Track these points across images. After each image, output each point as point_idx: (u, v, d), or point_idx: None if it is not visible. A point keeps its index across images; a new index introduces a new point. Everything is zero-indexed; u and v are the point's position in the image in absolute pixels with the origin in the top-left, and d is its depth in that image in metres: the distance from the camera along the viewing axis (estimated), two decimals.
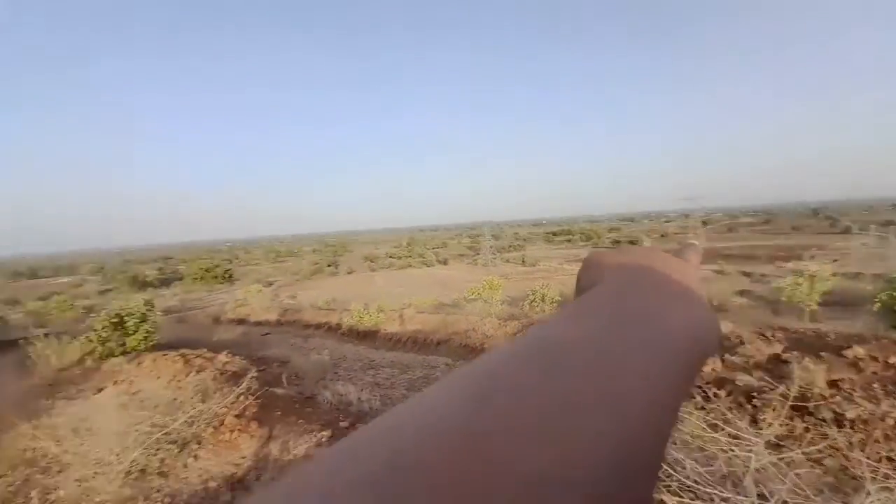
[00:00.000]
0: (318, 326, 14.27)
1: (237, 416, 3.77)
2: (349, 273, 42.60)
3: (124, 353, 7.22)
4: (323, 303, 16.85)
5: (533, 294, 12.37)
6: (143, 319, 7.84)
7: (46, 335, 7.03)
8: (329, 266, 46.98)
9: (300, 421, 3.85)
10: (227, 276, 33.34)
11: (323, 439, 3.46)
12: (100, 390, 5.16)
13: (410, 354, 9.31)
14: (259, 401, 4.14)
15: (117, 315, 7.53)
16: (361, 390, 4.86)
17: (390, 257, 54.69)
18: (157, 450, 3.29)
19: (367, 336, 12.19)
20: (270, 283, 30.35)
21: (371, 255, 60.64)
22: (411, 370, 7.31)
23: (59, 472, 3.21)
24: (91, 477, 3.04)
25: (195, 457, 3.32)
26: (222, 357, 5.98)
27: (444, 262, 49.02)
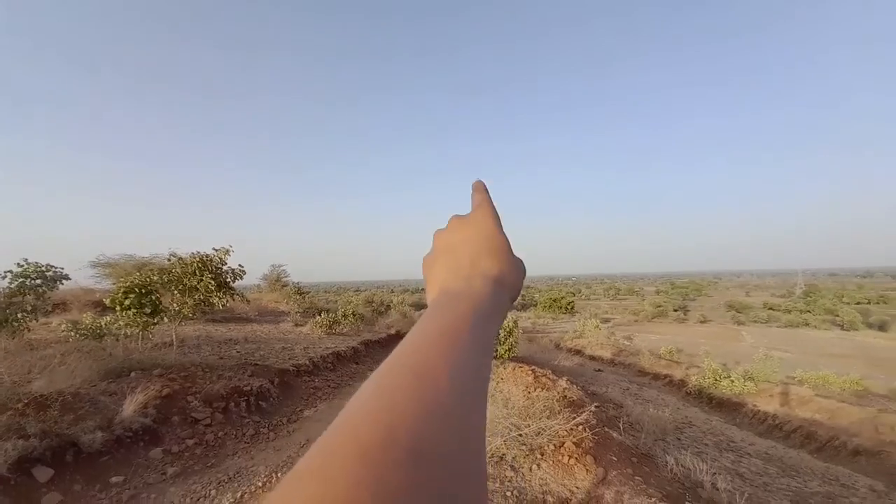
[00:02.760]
0: (657, 377, 12.79)
1: (576, 444, 3.96)
2: (702, 322, 35.67)
3: (495, 357, 9.42)
4: (665, 351, 15.00)
5: None
6: (510, 333, 9.93)
7: None
8: (675, 310, 41.36)
9: (637, 478, 3.52)
10: (569, 307, 36.65)
11: None
12: None
13: (800, 453, 6.50)
14: (596, 437, 4.16)
15: None
16: (716, 474, 3.83)
17: (769, 308, 40.88)
18: (513, 446, 4.01)
19: (723, 406, 9.69)
20: (607, 321, 30.53)
21: (737, 302, 48.10)
22: (802, 477, 5.05)
23: None
24: None
25: (538, 465, 3.75)
26: (563, 382, 6.52)
27: (881, 327, 30.95)
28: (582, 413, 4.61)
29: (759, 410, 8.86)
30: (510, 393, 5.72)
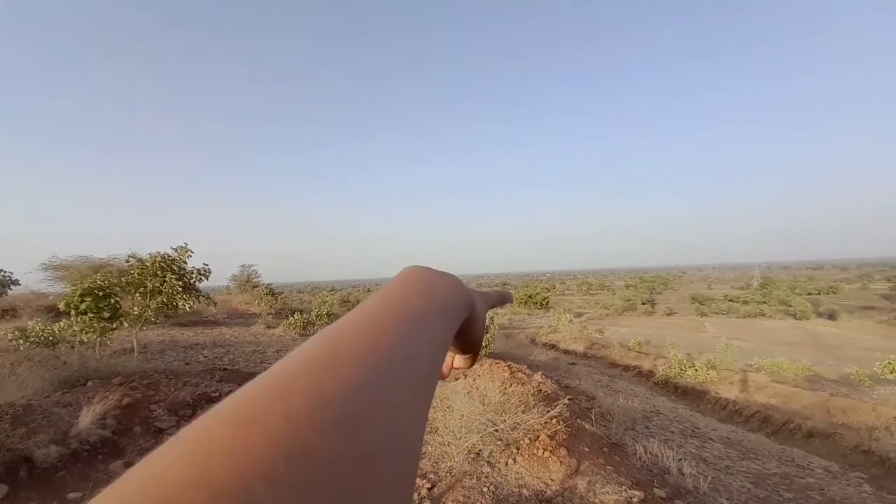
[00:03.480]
0: (626, 368, 13.26)
1: (550, 437, 4.04)
2: (668, 314, 37.29)
3: None
4: (634, 343, 15.57)
5: None
6: (487, 330, 10.07)
7: None
8: (644, 304, 43.04)
9: (608, 467, 3.63)
10: (544, 302, 37.39)
11: (634, 499, 3.09)
12: (456, 379, 6.98)
13: (758, 436, 6.91)
14: (569, 429, 4.26)
15: None
16: (682, 460, 4.02)
17: (729, 300, 43.23)
18: (489, 441, 4.05)
19: (688, 394, 10.16)
20: (580, 315, 31.37)
21: (700, 294, 50.55)
22: (760, 459, 5.37)
23: (430, 432, 4.54)
24: (447, 444, 4.11)
25: (514, 460, 3.81)
26: (538, 377, 6.65)
27: (831, 316, 33.33)
28: (556, 406, 4.71)
29: (720, 397, 9.35)
30: (486, 389, 5.78)
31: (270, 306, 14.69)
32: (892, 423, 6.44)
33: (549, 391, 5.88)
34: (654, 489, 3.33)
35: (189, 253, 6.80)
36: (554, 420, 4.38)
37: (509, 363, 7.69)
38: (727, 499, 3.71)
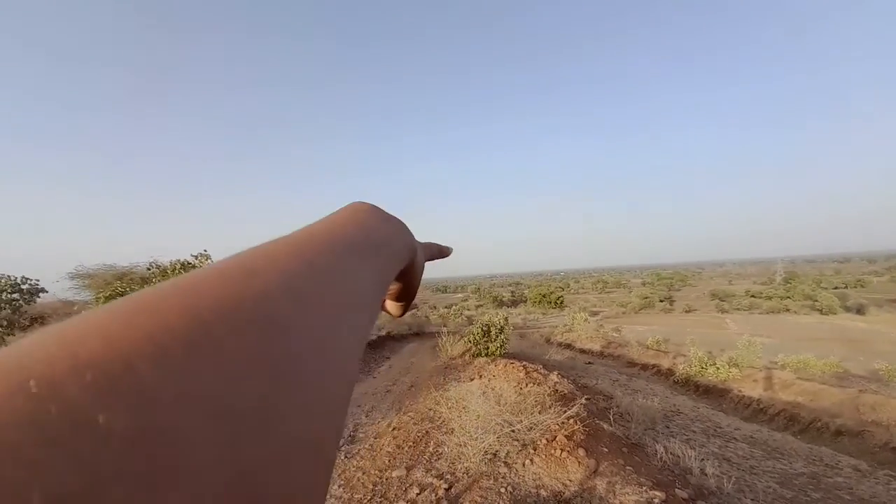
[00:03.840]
0: (645, 367, 13.02)
1: (567, 437, 4.00)
2: (687, 311, 36.45)
3: (487, 354, 9.46)
4: (652, 341, 15.27)
5: None
6: (501, 331, 9.99)
7: (447, 333, 10.39)
8: (662, 301, 42.18)
9: (628, 468, 3.57)
10: (559, 301, 37.04)
11: (654, 500, 3.04)
12: (471, 380, 6.97)
13: (784, 435, 6.69)
14: (587, 430, 4.21)
15: (486, 325, 10.02)
16: (704, 460, 3.92)
17: (751, 296, 42.03)
18: (506, 442, 4.03)
19: (709, 393, 9.92)
20: (595, 313, 30.94)
21: (720, 290, 49.27)
22: (786, 459, 5.20)
23: (446, 433, 4.55)
24: (463, 444, 4.11)
25: (531, 460, 3.78)
26: (554, 376, 6.58)
27: (859, 311, 32.09)
28: (573, 406, 4.66)
29: (744, 395, 9.10)
30: (502, 389, 5.76)
31: None
32: None
33: (566, 391, 5.82)
34: (676, 490, 3.26)
35: (209, 259, 6.98)
36: (571, 420, 4.33)
37: (524, 363, 7.64)
38: (752, 499, 3.61)
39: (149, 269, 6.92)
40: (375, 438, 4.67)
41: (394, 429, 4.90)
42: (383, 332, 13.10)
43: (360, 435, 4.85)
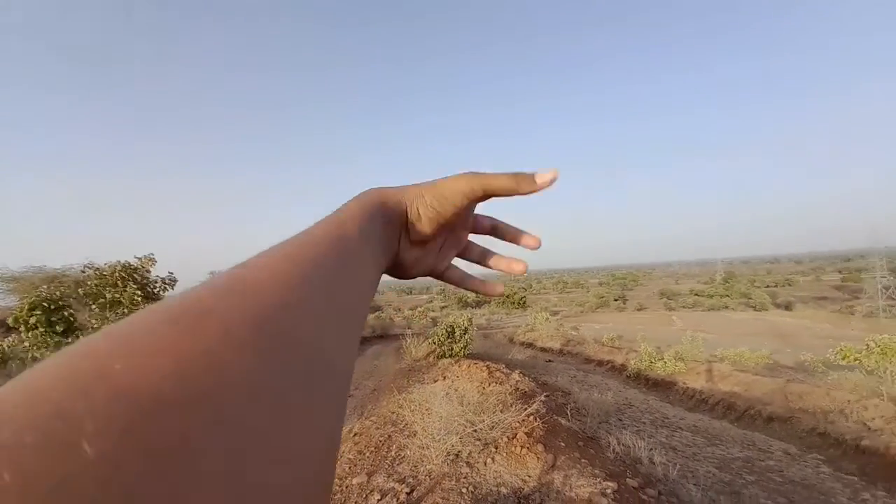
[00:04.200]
0: (600, 363, 13.63)
1: (527, 434, 4.11)
2: (639, 309, 38.63)
3: (451, 355, 9.52)
4: (607, 339, 16.02)
5: None
6: (465, 331, 10.08)
7: (411, 335, 10.35)
8: (616, 300, 44.40)
9: (583, 460, 3.73)
10: (521, 302, 37.93)
11: (608, 490, 3.18)
12: (435, 381, 6.99)
13: (723, 423, 7.24)
14: (546, 426, 4.35)
15: (450, 326, 10.07)
16: (652, 449, 4.17)
17: (695, 295, 45.27)
18: (468, 442, 4.07)
19: (658, 386, 10.53)
20: (556, 313, 32.02)
21: (668, 290, 52.63)
22: (725, 445, 5.64)
23: (409, 436, 4.52)
24: (426, 447, 4.11)
25: (493, 459, 3.84)
26: (515, 375, 6.74)
27: (787, 307, 35.46)
28: (533, 403, 4.79)
29: (688, 387, 9.75)
30: (465, 390, 5.81)
31: None
32: (845, 406, 6.88)
33: (527, 389, 5.98)
34: (627, 479, 3.44)
35: (152, 261, 6.51)
36: (531, 417, 4.45)
37: (487, 363, 7.76)
38: (694, 484, 3.88)
39: (83, 272, 6.33)
40: None
41: (355, 434, 4.80)
42: None
43: None
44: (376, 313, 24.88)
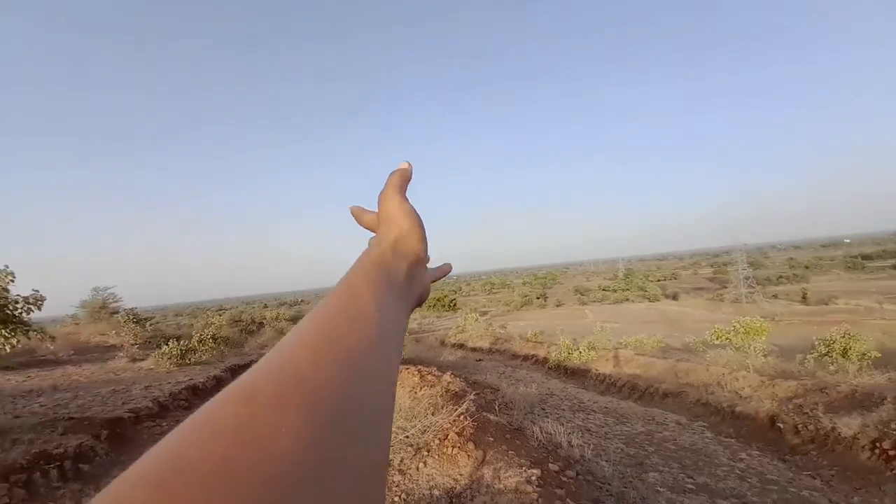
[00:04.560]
0: (526, 358, 14.48)
1: (458, 434, 4.19)
2: (558, 306, 41.86)
3: None
4: (531, 335, 17.09)
5: (824, 344, 8.79)
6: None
7: None
8: (538, 298, 47.57)
9: (510, 452, 3.92)
10: (452, 304, 38.66)
11: (532, 477, 3.39)
12: None
13: (628, 403, 8.14)
14: (476, 423, 4.48)
15: None
16: (571, 433, 4.54)
17: (603, 290, 50.50)
18: (399, 449, 4.03)
19: (575, 374, 11.51)
20: (485, 313, 33.25)
21: (581, 287, 57.82)
22: (629, 422, 6.36)
23: None
24: None
25: (424, 463, 3.85)
26: (447, 377, 6.84)
27: (674, 297, 41.27)
28: (463, 403, 4.91)
29: (599, 373, 10.82)
30: (397, 397, 5.73)
31: (135, 335, 12.32)
32: (721, 379, 8.17)
33: (458, 389, 6.10)
34: (549, 464, 3.70)
35: (10, 278, 5.36)
36: (462, 417, 4.56)
37: (419, 367, 7.76)
38: (606, 461, 4.31)
39: None
40: None
41: None
42: (266, 351, 11.87)
43: None
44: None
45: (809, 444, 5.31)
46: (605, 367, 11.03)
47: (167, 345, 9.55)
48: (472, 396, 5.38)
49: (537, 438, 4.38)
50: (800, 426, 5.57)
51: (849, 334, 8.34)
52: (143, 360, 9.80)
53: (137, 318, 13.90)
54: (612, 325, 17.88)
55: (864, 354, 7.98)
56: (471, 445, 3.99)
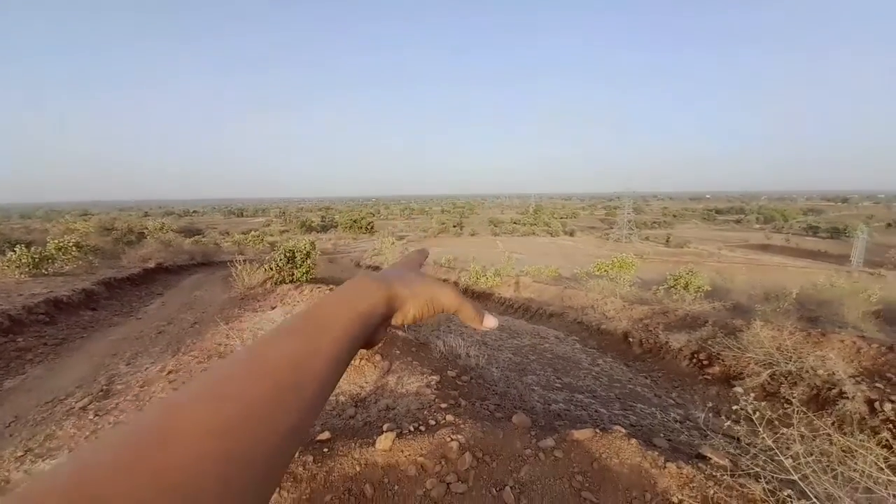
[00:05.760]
0: None
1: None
2: (472, 235, 44.00)
3: (292, 281, 9.03)
4: (445, 260, 17.92)
5: (673, 279, 10.77)
6: (308, 256, 9.56)
7: (244, 261, 9.26)
8: (454, 227, 49.24)
9: (415, 362, 4.26)
10: (369, 227, 38.07)
11: (432, 382, 3.77)
12: (273, 308, 6.60)
13: (521, 321, 9.27)
14: (386, 338, 4.71)
15: (290, 251, 9.37)
16: (470, 346, 5.08)
17: (514, 223, 54.21)
18: None
19: (481, 297, 12.59)
20: (402, 238, 33.55)
21: (495, 219, 61.04)
22: (519, 337, 7.31)
23: None
24: None
25: None
26: None
27: (571, 234, 46.30)
28: None
29: (502, 296, 12.03)
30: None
31: None
32: (595, 303, 9.65)
33: None
34: (447, 371, 4.14)
35: None
36: None
37: (331, 286, 7.69)
38: (496, 367, 4.97)
39: None
40: (142, 387, 3.92)
41: (169, 372, 4.22)
42: (151, 264, 10.55)
43: (119, 387, 3.97)
44: (195, 237, 21.03)
45: (648, 353, 6.75)
46: (507, 292, 12.26)
47: (13, 251, 7.88)
48: None
49: (440, 351, 4.80)
50: (643, 340, 7.01)
51: (691, 272, 10.42)
52: None
53: None
54: (519, 255, 19.58)
55: (699, 288, 10.10)
56: (377, 357, 4.22)
